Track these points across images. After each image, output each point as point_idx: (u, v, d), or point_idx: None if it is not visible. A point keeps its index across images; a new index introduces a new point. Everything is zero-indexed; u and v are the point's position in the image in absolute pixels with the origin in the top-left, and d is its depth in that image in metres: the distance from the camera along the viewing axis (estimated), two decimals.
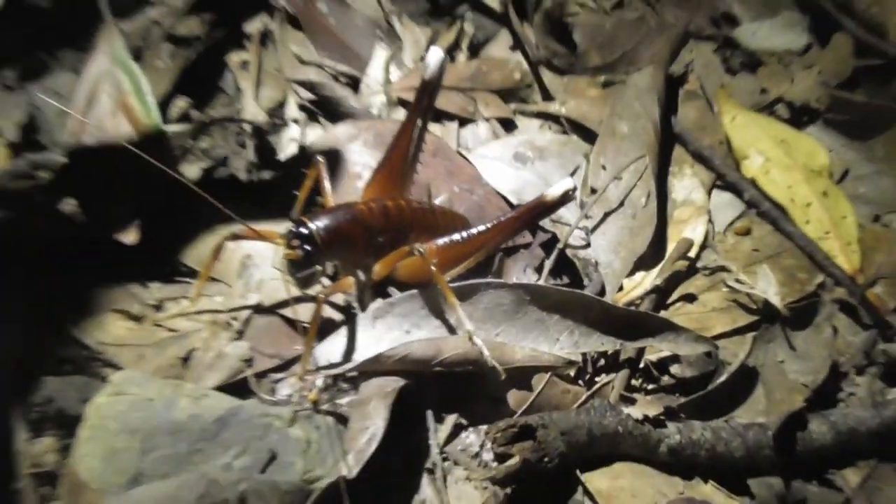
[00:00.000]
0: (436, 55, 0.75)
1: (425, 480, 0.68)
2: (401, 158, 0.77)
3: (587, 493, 0.67)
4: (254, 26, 0.98)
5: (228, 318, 0.77)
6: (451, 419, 0.71)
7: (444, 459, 0.69)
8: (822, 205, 0.87)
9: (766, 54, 1.01)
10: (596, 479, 0.67)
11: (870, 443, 0.71)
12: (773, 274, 0.81)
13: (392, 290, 0.76)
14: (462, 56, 0.97)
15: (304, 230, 0.69)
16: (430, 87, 0.76)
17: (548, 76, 0.96)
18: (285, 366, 0.74)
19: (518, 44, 0.98)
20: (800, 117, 0.95)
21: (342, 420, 0.69)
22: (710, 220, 0.87)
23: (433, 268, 0.69)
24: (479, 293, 0.72)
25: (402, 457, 0.68)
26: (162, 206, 0.80)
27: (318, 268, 0.72)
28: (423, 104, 0.76)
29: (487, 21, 1.00)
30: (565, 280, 0.82)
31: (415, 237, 0.74)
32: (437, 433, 0.70)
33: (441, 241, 0.73)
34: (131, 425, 0.66)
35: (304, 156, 0.85)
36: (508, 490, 0.66)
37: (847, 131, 0.94)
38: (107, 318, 0.76)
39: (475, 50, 0.98)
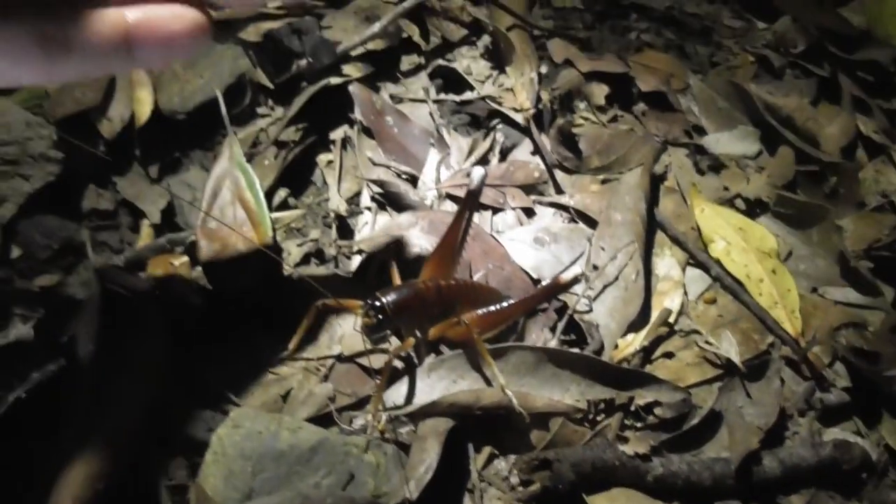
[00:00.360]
0: (478, 172, 0.76)
1: (466, 498, 0.69)
2: (450, 245, 0.77)
3: None
4: (337, 134, 0.99)
5: (317, 364, 0.77)
6: (486, 450, 0.71)
7: (481, 482, 0.69)
8: (771, 280, 0.86)
9: (728, 158, 1.00)
10: (598, 501, 0.67)
11: (810, 475, 0.71)
12: (733, 336, 0.80)
13: (443, 348, 0.77)
14: (495, 159, 0.97)
15: (377, 303, 0.70)
16: (474, 195, 0.77)
17: (560, 175, 0.96)
18: (360, 403, 0.75)
19: (537, 150, 0.97)
20: (753, 209, 0.94)
21: (404, 447, 0.69)
22: (685, 292, 0.86)
23: (475, 335, 0.70)
24: (509, 353, 0.72)
25: (448, 479, 0.68)
26: (269, 277, 0.81)
27: (388, 332, 0.73)
28: (468, 206, 0.77)
29: (514, 132, 1.00)
30: (573, 337, 0.81)
31: (460, 308, 0.74)
32: (476, 461, 0.70)
33: (480, 311, 0.73)
34: (245, 452, 0.67)
35: (376, 240, 0.86)
36: None
37: (790, 221, 0.93)
38: (228, 365, 0.77)
39: (504, 154, 0.98)
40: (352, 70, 1.01)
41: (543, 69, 1.07)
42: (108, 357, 0.70)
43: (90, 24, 0.45)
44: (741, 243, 0.89)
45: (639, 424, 0.74)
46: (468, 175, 0.78)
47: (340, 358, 0.77)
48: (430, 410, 0.69)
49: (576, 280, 0.73)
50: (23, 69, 0.44)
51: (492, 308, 0.73)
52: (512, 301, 0.74)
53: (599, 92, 1.06)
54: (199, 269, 0.83)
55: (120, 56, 0.45)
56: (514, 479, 0.69)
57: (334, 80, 0.99)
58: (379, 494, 0.66)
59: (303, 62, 0.98)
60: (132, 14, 0.46)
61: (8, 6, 0.43)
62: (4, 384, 0.69)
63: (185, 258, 0.83)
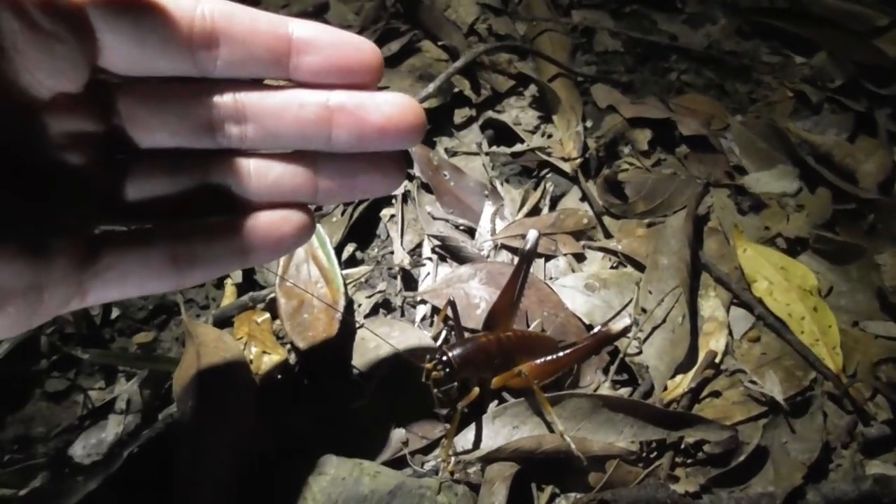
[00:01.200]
0: (532, 234, 0.82)
1: None
2: (509, 297, 0.83)
3: None
4: (398, 190, 1.06)
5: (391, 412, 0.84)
6: (548, 490, 0.77)
7: None
8: (812, 318, 0.90)
9: (768, 198, 1.03)
10: None
11: None
12: (776, 374, 0.85)
13: (506, 395, 0.83)
14: (546, 208, 1.02)
15: (444, 358, 0.77)
16: (529, 255, 0.83)
17: (607, 220, 1.00)
18: (431, 447, 0.81)
19: (585, 197, 1.02)
20: (794, 247, 0.98)
21: (473, 488, 0.76)
22: (730, 332, 0.90)
23: (534, 385, 0.77)
24: (566, 400, 0.78)
25: None
26: (344, 330, 0.88)
27: (455, 384, 0.80)
28: (524, 265, 0.83)
29: (563, 180, 1.05)
30: (625, 377, 0.87)
31: (520, 358, 0.80)
32: (539, 500, 0.76)
33: (538, 361, 0.79)
34: (332, 497, 0.74)
35: (438, 291, 0.92)
36: None
37: (830, 258, 0.96)
38: (311, 416, 0.84)
39: (554, 203, 1.03)
40: None
41: (588, 117, 1.13)
42: (206, 412, 0.78)
43: (214, 239, 0.54)
44: (783, 282, 0.93)
45: (689, 461, 0.79)
46: (523, 236, 0.84)
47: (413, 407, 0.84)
48: (496, 455, 0.75)
49: (626, 329, 0.79)
50: (157, 283, 0.53)
51: (549, 357, 0.79)
52: (568, 351, 0.79)
53: (643, 137, 1.11)
54: (278, 322, 0.90)
55: (238, 260, 0.53)
56: None
57: None
58: None
59: None
60: (249, 222, 0.54)
61: (149, 236, 0.52)
62: (119, 441, 0.77)
63: (267, 315, 0.91)
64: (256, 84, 0.55)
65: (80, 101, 0.49)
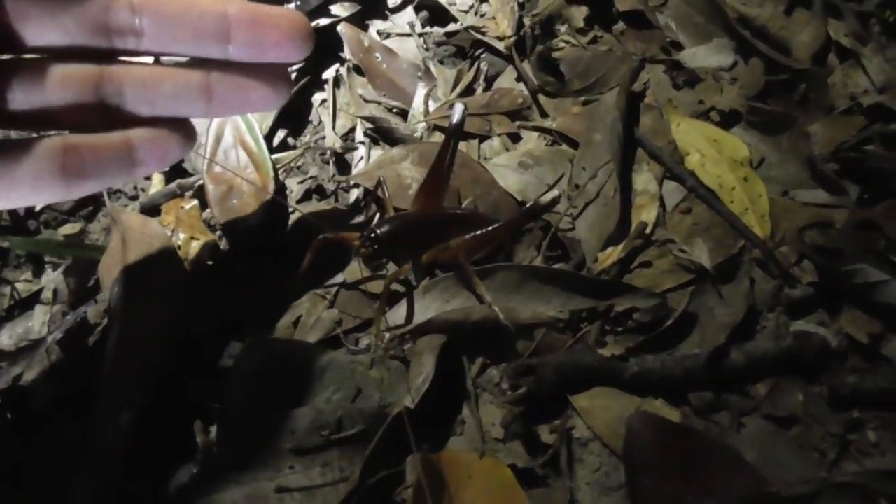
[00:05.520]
0: (458, 108, 0.80)
1: (464, 404, 0.75)
2: (438, 176, 0.81)
3: (574, 409, 0.73)
4: (329, 74, 1.02)
5: (324, 292, 0.83)
6: (479, 361, 0.77)
7: (476, 388, 0.76)
8: (742, 188, 0.89)
9: (703, 72, 1.01)
10: (580, 400, 0.73)
11: (774, 365, 0.75)
12: (706, 243, 0.84)
13: (439, 272, 0.82)
14: (480, 88, 0.99)
15: (373, 234, 0.75)
16: (456, 130, 0.80)
17: (543, 100, 0.98)
18: (364, 325, 0.80)
19: (520, 77, 1.00)
20: (727, 121, 0.96)
21: (405, 362, 0.76)
22: (662, 204, 0.89)
23: (461, 258, 0.76)
24: (495, 273, 0.77)
25: (447, 389, 0.74)
26: (274, 215, 0.86)
27: (384, 259, 0.78)
28: (452, 139, 0.81)
29: (498, 60, 1.02)
30: (559, 253, 0.86)
31: (450, 235, 0.78)
32: (470, 371, 0.76)
33: (468, 236, 0.78)
34: (264, 376, 0.73)
35: (371, 174, 0.90)
36: (520, 409, 0.73)
37: (762, 129, 0.95)
38: (241, 297, 0.83)
39: (489, 82, 1.00)
40: (340, 10, 1.04)
41: None
42: (133, 297, 0.76)
43: (104, 152, 0.52)
44: (715, 154, 0.92)
45: (618, 329, 0.79)
46: (450, 109, 0.82)
47: (344, 285, 0.83)
48: (426, 328, 0.75)
49: (554, 201, 0.78)
50: (45, 194, 0.52)
51: (478, 232, 0.78)
52: (496, 225, 0.78)
53: (579, 14, 1.07)
54: (209, 210, 0.88)
55: (126, 172, 0.53)
56: (505, 385, 0.74)
57: (323, 21, 1.02)
58: (385, 405, 0.73)
59: (292, 5, 1.00)
60: (138, 135, 0.53)
61: (38, 146, 0.50)
62: (45, 329, 0.76)
63: (195, 202, 0.88)
64: None
65: None
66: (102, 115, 0.53)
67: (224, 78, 0.54)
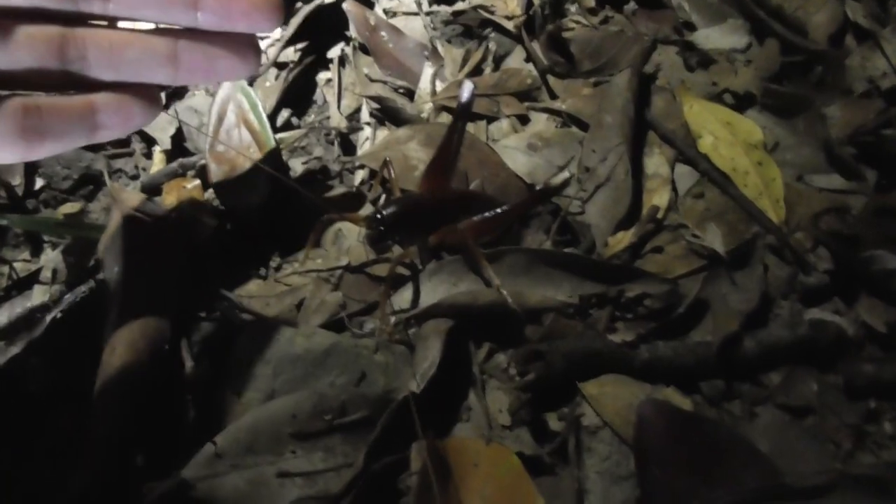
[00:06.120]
0: (467, 87, 0.78)
1: (470, 390, 0.73)
2: (445, 157, 0.79)
3: (583, 396, 0.72)
4: (334, 52, 1.00)
5: (327, 275, 0.81)
6: (486, 346, 0.75)
7: (482, 374, 0.74)
8: (756, 172, 0.87)
9: (717, 53, 0.99)
10: (589, 387, 0.71)
11: (788, 353, 0.74)
12: (719, 228, 0.82)
13: (444, 254, 0.80)
14: (488, 68, 0.97)
15: (378, 216, 0.74)
16: (464, 109, 0.78)
17: (552, 80, 0.96)
18: (369, 309, 0.79)
19: (529, 57, 0.98)
20: (742, 103, 0.94)
21: (410, 347, 0.74)
22: (674, 189, 0.87)
23: (469, 240, 0.74)
24: (504, 256, 0.75)
25: (453, 374, 0.72)
26: (282, 198, 0.84)
27: (390, 242, 0.77)
28: (460, 119, 0.79)
29: (506, 40, 1.00)
30: (568, 237, 0.84)
31: (456, 216, 0.77)
32: (477, 356, 0.74)
33: (476, 218, 0.76)
34: (265, 358, 0.72)
35: (377, 154, 0.88)
36: (528, 395, 0.71)
37: (777, 112, 0.93)
38: (243, 279, 0.82)
39: (497, 63, 0.98)
40: None
41: None
42: (132, 275, 0.75)
43: (66, 114, 0.51)
44: (728, 137, 0.90)
45: (629, 316, 0.77)
46: (459, 87, 0.80)
47: (349, 268, 0.81)
48: (432, 312, 0.73)
49: (565, 184, 0.75)
50: (3, 154, 0.50)
51: (486, 214, 0.76)
52: (505, 207, 0.76)
53: None
54: (211, 190, 0.86)
55: (86, 136, 0.52)
56: (513, 371, 0.73)
57: None
58: (389, 390, 0.71)
59: None
60: (101, 99, 0.52)
61: None
62: (41, 307, 0.74)
63: (197, 181, 0.87)
64: None
65: None
66: (66, 78, 0.52)
67: (191, 45, 0.52)
